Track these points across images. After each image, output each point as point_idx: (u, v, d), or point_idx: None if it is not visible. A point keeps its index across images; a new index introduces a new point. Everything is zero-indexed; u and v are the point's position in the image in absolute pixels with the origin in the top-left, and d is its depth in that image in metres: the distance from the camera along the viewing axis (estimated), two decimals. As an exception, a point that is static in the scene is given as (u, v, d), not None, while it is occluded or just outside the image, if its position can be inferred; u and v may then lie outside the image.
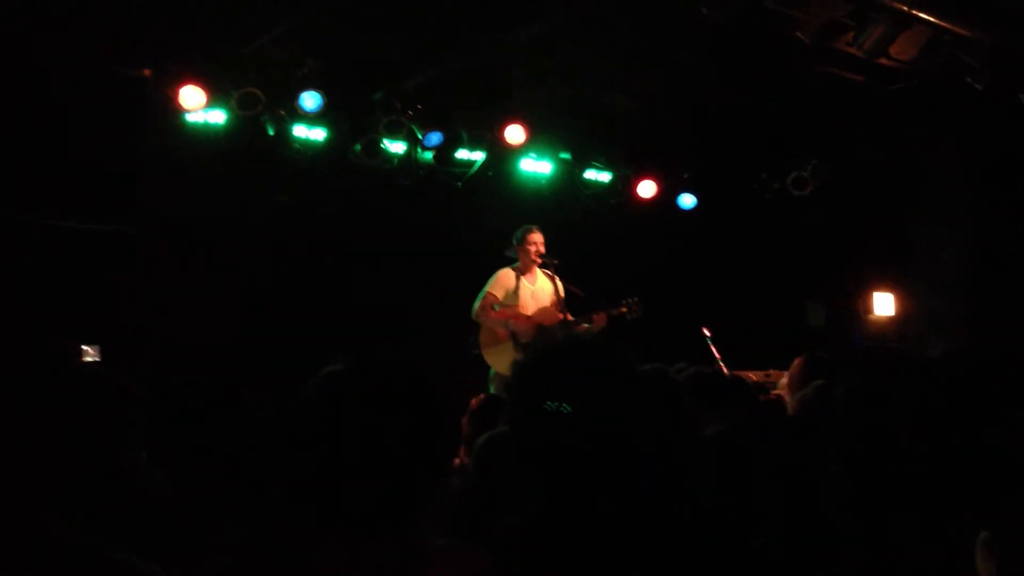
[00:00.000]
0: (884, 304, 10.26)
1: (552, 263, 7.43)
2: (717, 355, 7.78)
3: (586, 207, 9.82)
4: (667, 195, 10.09)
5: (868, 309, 10.23)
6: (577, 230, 9.22)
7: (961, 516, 1.75)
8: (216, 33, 7.07)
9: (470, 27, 7.11)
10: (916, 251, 9.76)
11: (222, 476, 2.97)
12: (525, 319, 7.33)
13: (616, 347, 1.83)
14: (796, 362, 4.45)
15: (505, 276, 7.43)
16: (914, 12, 5.86)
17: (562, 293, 7.49)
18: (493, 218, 8.67)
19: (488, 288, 7.38)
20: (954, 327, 8.92)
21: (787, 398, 4.60)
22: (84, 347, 5.03)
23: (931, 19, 5.97)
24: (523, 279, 7.46)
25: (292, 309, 8.04)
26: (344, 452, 1.66)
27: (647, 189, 9.93)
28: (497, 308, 7.37)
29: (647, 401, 1.81)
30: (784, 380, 5.73)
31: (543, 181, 9.51)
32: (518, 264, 7.51)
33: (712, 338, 7.97)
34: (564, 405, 1.72)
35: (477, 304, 7.35)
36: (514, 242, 7.54)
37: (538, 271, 7.53)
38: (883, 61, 6.90)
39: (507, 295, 7.38)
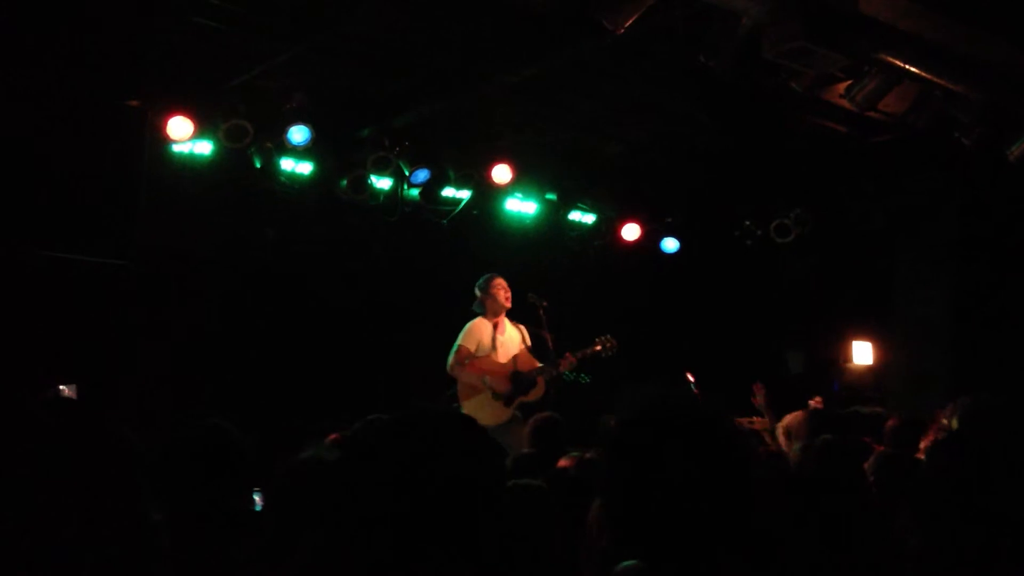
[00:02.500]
0: (863, 353, 10.30)
1: (541, 304, 7.39)
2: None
3: (570, 248, 9.82)
4: (651, 238, 10.11)
5: (847, 358, 10.27)
6: (561, 271, 9.21)
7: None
8: (205, 64, 7.01)
9: (461, 68, 7.11)
10: (897, 301, 9.82)
11: (224, 524, 2.89)
12: (500, 371, 7.30)
13: (719, 414, 1.79)
14: (800, 415, 4.44)
15: (476, 328, 7.40)
16: (908, 67, 5.92)
17: (528, 341, 7.49)
18: (478, 257, 8.63)
19: (460, 342, 7.35)
20: (934, 378, 8.96)
21: (784, 447, 4.58)
22: (62, 387, 4.88)
23: (924, 75, 6.03)
24: (493, 329, 7.42)
25: (275, 342, 7.93)
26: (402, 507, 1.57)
27: (631, 232, 9.95)
28: (469, 360, 7.33)
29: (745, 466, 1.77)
30: (780, 427, 5.74)
31: (528, 221, 9.51)
32: (486, 313, 7.45)
33: (695, 383, 7.97)
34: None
35: (451, 359, 7.31)
36: (478, 292, 7.48)
37: (506, 320, 7.50)
38: (871, 114, 6.98)
39: (479, 347, 7.35)
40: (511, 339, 7.49)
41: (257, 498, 3.53)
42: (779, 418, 6.93)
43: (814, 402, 7.41)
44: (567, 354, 7.43)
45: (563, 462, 4.45)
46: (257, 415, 6.02)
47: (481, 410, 7.21)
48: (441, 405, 7.22)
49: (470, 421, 1.73)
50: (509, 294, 7.40)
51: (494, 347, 7.39)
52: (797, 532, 3.13)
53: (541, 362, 7.41)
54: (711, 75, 6.70)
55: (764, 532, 1.78)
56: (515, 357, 7.41)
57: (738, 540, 1.74)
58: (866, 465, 4.16)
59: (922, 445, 4.63)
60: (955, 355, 9.12)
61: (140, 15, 5.72)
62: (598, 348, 7.56)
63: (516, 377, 7.34)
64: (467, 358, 7.30)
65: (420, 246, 8.97)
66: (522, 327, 7.54)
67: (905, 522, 3.31)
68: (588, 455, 4.61)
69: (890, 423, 5.06)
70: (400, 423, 1.67)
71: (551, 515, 2.73)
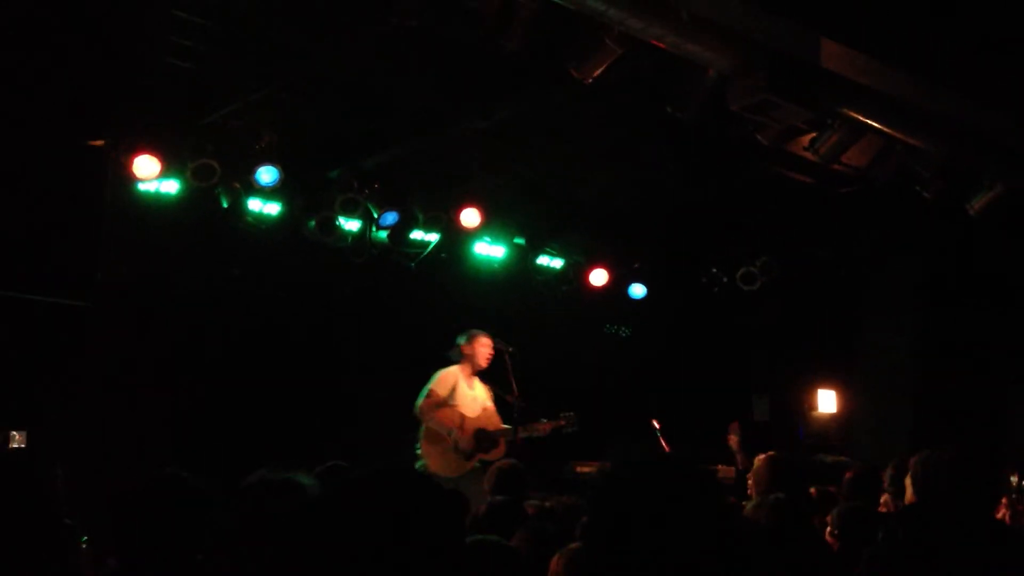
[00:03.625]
0: (827, 401, 10.36)
1: (507, 350, 7.39)
2: (666, 447, 7.76)
3: (538, 293, 9.83)
4: (618, 284, 10.15)
5: (812, 405, 10.32)
6: (528, 316, 9.21)
7: None
8: (174, 103, 6.99)
9: (431, 110, 7.15)
10: (861, 349, 9.91)
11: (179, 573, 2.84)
12: (466, 425, 7.28)
13: (705, 473, 1.79)
14: (761, 463, 4.45)
15: (449, 375, 7.41)
16: (869, 122, 6.02)
17: (492, 403, 7.52)
18: (445, 300, 8.63)
19: (431, 386, 7.34)
20: (898, 427, 9.02)
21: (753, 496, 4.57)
22: (13, 432, 4.79)
23: (885, 129, 6.13)
24: (464, 381, 7.42)
25: (239, 384, 7.85)
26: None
27: (599, 277, 9.98)
28: (439, 407, 7.30)
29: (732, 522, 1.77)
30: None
31: (496, 265, 9.51)
32: (462, 364, 7.45)
33: (661, 430, 7.97)
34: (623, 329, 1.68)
35: (421, 401, 7.30)
36: (461, 342, 7.48)
37: (476, 377, 7.49)
38: (834, 166, 7.08)
39: (449, 394, 7.33)
40: (480, 395, 7.49)
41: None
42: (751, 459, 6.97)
43: (733, 431, 7.43)
44: (547, 424, 7.42)
45: (528, 509, 4.42)
46: (219, 458, 5.93)
47: (443, 459, 7.23)
48: (402, 459, 7.19)
49: (429, 482, 1.71)
50: (491, 354, 7.40)
51: (461, 398, 7.38)
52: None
53: (504, 419, 7.42)
54: (679, 124, 6.80)
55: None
56: (482, 414, 7.41)
57: None
58: (828, 517, 4.17)
59: (882, 498, 4.65)
60: (919, 402, 9.20)
61: (109, 54, 5.70)
62: (562, 423, 7.57)
63: (480, 435, 7.35)
64: (438, 404, 7.27)
65: (388, 289, 8.94)
66: (488, 387, 7.55)
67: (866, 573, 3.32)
68: (548, 504, 4.59)
69: (848, 475, 5.08)
70: (361, 484, 1.66)
71: (515, 570, 2.69)
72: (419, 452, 7.34)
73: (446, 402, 7.32)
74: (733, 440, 7.37)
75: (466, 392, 7.42)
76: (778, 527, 3.60)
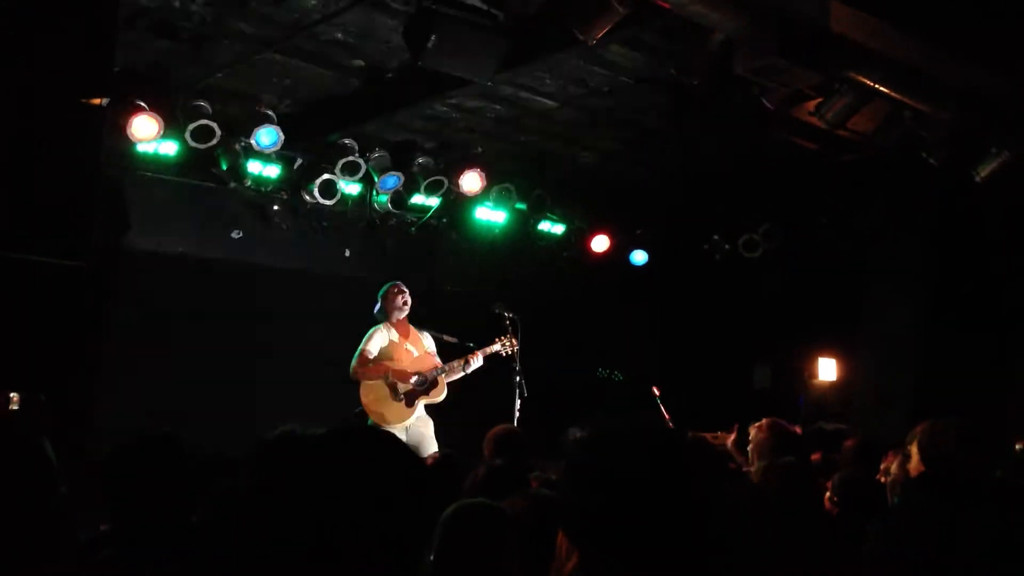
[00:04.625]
0: (828, 370, 10.34)
1: (507, 315, 7.34)
2: (666, 414, 7.75)
3: (539, 258, 9.78)
4: (620, 250, 10.10)
5: (813, 374, 10.29)
6: (529, 281, 9.16)
7: None
8: (173, 63, 6.90)
9: (433, 73, 7.05)
10: (865, 317, 9.86)
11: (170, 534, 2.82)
12: (400, 372, 7.27)
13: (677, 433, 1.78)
14: (762, 429, 4.42)
15: (378, 333, 7.38)
16: (877, 87, 5.94)
17: (432, 347, 7.50)
18: (446, 264, 8.59)
19: (362, 346, 7.33)
20: (898, 395, 9.00)
21: (753, 464, 4.55)
22: (12, 394, 4.76)
23: (893, 94, 6.05)
24: (396, 333, 7.40)
25: (238, 346, 7.82)
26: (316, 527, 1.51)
27: (600, 243, 9.93)
28: (371, 364, 7.29)
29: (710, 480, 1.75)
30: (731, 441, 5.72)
31: (497, 230, 9.45)
32: (388, 320, 7.41)
33: (661, 397, 7.95)
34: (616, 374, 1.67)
35: (354, 362, 7.26)
36: (379, 300, 7.45)
37: (410, 325, 7.46)
38: (840, 132, 7.00)
39: (382, 351, 7.31)
40: (414, 342, 7.47)
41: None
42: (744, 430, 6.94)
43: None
44: (475, 351, 7.41)
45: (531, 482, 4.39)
46: (215, 421, 5.93)
47: (385, 409, 7.22)
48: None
49: (390, 436, 1.68)
50: (407, 299, 7.37)
51: (396, 351, 7.36)
52: (760, 550, 3.10)
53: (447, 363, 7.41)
54: (683, 89, 6.72)
55: (728, 551, 1.74)
56: (416, 360, 7.39)
57: (699, 560, 1.70)
58: (828, 484, 4.15)
59: (882, 466, 4.62)
60: (921, 371, 9.17)
61: (107, 13, 5.61)
62: (496, 346, 7.51)
63: (417, 377, 7.31)
64: (368, 362, 7.26)
65: (388, 252, 8.89)
66: (426, 333, 7.53)
67: (870, 543, 3.30)
68: (554, 476, 4.56)
69: (848, 443, 5.05)
70: (317, 443, 1.62)
71: (506, 536, 2.63)
72: (361, 411, 7.30)
73: (379, 359, 7.29)
74: (730, 440, 7.33)
75: (400, 341, 7.39)
76: (788, 491, 3.58)
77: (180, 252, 7.75)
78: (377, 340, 7.33)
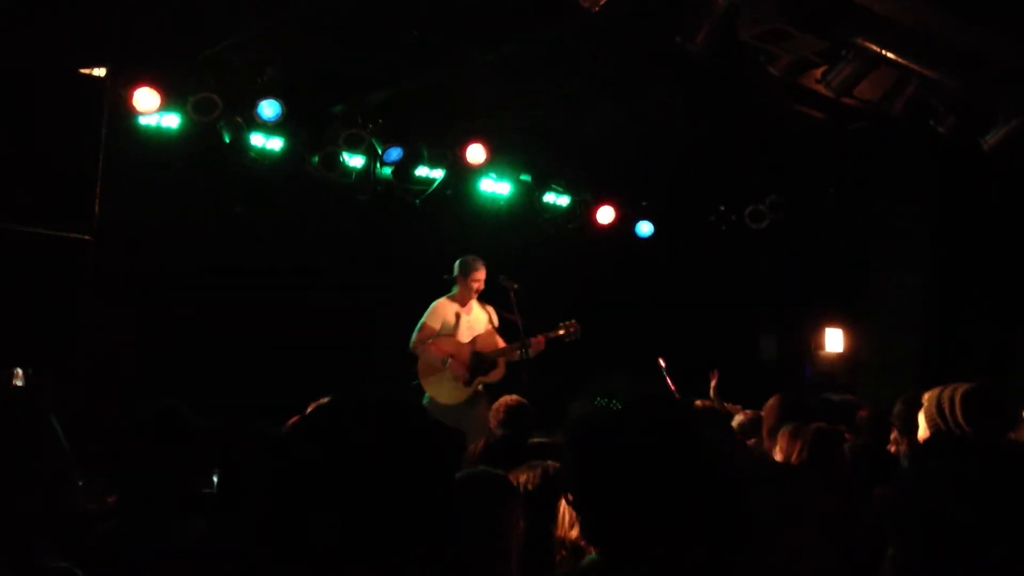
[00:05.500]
0: (834, 340, 10.31)
1: (512, 287, 7.32)
2: (672, 386, 7.74)
3: (544, 230, 9.74)
4: (625, 222, 10.06)
5: (819, 345, 10.27)
6: (534, 253, 9.13)
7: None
8: (175, 34, 6.84)
9: (437, 44, 6.99)
10: (871, 288, 9.83)
11: (175, 505, 2.83)
12: (461, 351, 7.26)
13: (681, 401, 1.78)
14: (772, 402, 4.41)
15: (442, 307, 7.36)
16: (884, 52, 5.87)
17: (496, 322, 7.47)
18: (450, 237, 8.55)
19: (425, 320, 7.31)
20: (905, 365, 8.97)
21: (765, 440, 4.53)
22: (16, 369, 4.75)
23: (900, 60, 5.99)
24: (459, 309, 7.39)
25: (241, 321, 7.81)
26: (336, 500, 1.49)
27: (606, 215, 9.89)
28: (432, 340, 7.27)
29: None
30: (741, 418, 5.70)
31: (501, 202, 9.41)
32: (455, 293, 7.40)
33: (667, 369, 7.94)
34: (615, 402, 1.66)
35: (415, 336, 7.30)
36: (456, 272, 7.43)
37: (474, 301, 7.44)
38: (846, 100, 6.93)
39: (444, 326, 7.31)
40: (477, 319, 7.45)
41: (215, 479, 3.46)
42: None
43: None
44: (540, 336, 7.38)
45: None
46: (221, 395, 5.92)
47: (440, 389, 7.23)
48: (401, 388, 7.20)
49: (417, 407, 1.65)
50: (482, 287, 7.36)
51: (458, 327, 7.35)
52: (774, 519, 3.09)
53: (508, 339, 7.36)
54: (688, 58, 6.65)
55: (735, 520, 1.73)
56: (476, 338, 7.37)
57: (703, 530, 1.69)
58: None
59: (893, 436, 4.61)
60: (927, 341, 9.14)
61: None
62: (561, 332, 7.51)
63: (476, 358, 7.31)
64: (430, 337, 7.25)
65: (392, 225, 8.86)
66: (490, 308, 7.49)
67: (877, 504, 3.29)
68: (552, 441, 4.55)
69: (863, 413, 5.04)
70: (338, 410, 1.60)
71: (510, 504, 2.63)
72: (417, 384, 7.32)
73: (440, 333, 7.28)
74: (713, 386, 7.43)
75: (463, 318, 7.38)
76: (814, 459, 3.57)
77: (183, 226, 7.72)
78: (440, 314, 7.30)
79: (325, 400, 1.75)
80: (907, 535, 1.56)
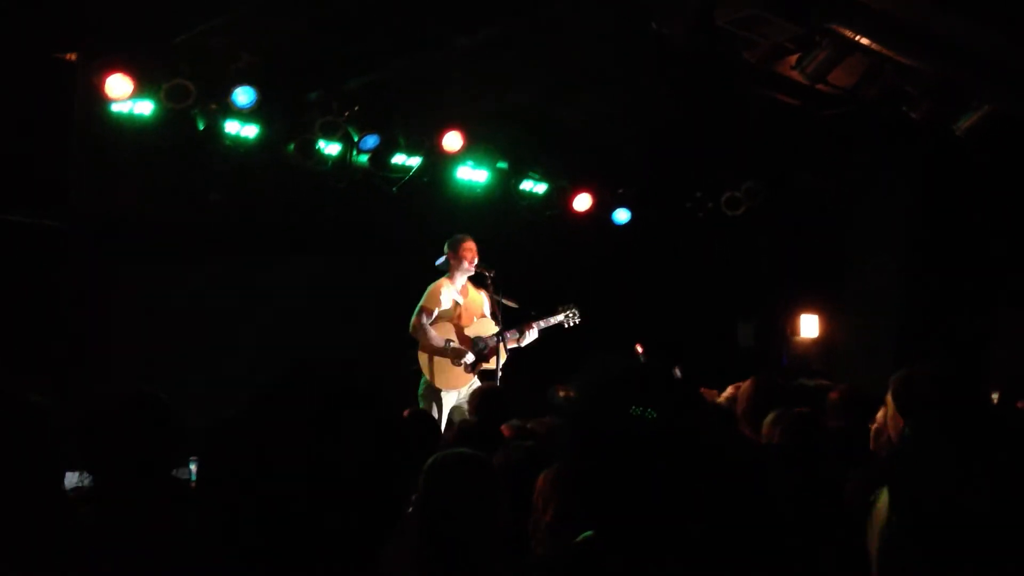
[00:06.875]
0: (810, 326, 10.39)
1: (488, 274, 7.30)
2: (649, 372, 7.77)
3: (521, 218, 9.74)
4: (602, 209, 10.07)
5: (795, 331, 10.34)
6: (511, 241, 9.12)
7: None
8: (147, 19, 6.77)
9: (414, 30, 6.97)
10: (848, 273, 9.90)
11: (152, 493, 2.80)
12: (462, 335, 7.22)
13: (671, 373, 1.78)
14: (747, 386, 4.42)
15: (438, 289, 7.29)
16: (858, 39, 5.91)
17: (493, 305, 7.40)
18: (427, 225, 8.52)
19: (422, 303, 7.25)
20: (881, 350, 9.05)
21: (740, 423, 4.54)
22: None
23: (874, 47, 6.02)
24: (456, 292, 7.34)
25: (217, 310, 7.76)
26: (286, 481, 1.48)
27: (582, 202, 9.89)
28: (431, 322, 7.23)
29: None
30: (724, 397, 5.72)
31: (479, 190, 9.40)
32: (450, 274, 7.36)
33: (644, 355, 7.97)
34: (650, 411, 1.66)
35: (414, 319, 7.20)
36: (447, 250, 7.40)
37: (469, 284, 7.41)
38: (821, 87, 6.97)
39: (443, 310, 7.25)
40: (474, 302, 7.42)
41: (192, 467, 3.44)
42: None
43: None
44: (537, 320, 7.37)
45: (504, 430, 4.39)
46: (195, 383, 5.90)
47: (445, 374, 7.15)
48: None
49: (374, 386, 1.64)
50: (476, 258, 7.28)
51: (456, 311, 7.30)
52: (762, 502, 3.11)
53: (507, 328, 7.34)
54: (665, 44, 6.66)
55: (727, 502, 1.74)
56: (477, 324, 7.34)
57: (698, 509, 1.70)
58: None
59: (879, 415, 4.63)
60: (904, 326, 9.22)
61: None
62: (559, 317, 7.51)
63: (478, 343, 7.27)
64: (430, 320, 7.19)
65: (369, 213, 8.83)
66: (484, 293, 7.45)
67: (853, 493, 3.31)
68: (530, 425, 4.56)
69: (833, 396, 5.05)
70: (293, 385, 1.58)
71: (491, 484, 2.64)
72: (417, 369, 7.25)
73: (438, 316, 7.24)
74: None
75: (459, 300, 7.34)
76: (793, 443, 3.59)
77: (158, 215, 7.66)
78: (436, 296, 7.20)
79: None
80: (913, 523, 1.52)
